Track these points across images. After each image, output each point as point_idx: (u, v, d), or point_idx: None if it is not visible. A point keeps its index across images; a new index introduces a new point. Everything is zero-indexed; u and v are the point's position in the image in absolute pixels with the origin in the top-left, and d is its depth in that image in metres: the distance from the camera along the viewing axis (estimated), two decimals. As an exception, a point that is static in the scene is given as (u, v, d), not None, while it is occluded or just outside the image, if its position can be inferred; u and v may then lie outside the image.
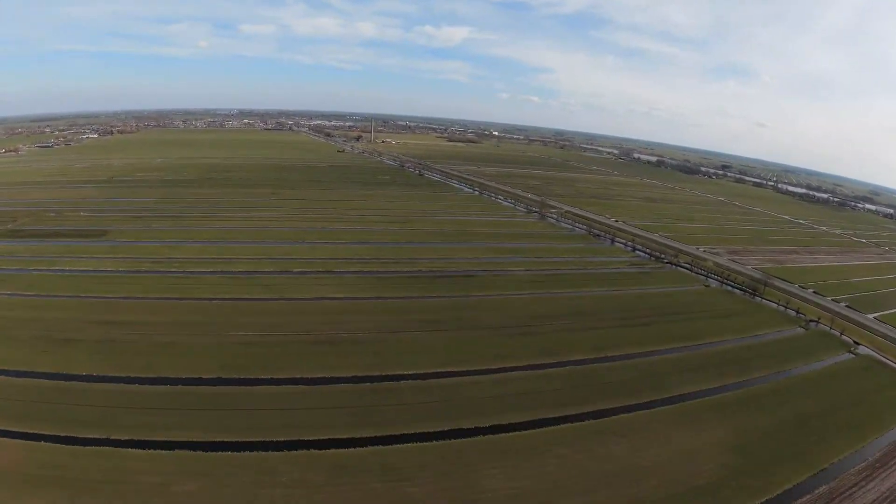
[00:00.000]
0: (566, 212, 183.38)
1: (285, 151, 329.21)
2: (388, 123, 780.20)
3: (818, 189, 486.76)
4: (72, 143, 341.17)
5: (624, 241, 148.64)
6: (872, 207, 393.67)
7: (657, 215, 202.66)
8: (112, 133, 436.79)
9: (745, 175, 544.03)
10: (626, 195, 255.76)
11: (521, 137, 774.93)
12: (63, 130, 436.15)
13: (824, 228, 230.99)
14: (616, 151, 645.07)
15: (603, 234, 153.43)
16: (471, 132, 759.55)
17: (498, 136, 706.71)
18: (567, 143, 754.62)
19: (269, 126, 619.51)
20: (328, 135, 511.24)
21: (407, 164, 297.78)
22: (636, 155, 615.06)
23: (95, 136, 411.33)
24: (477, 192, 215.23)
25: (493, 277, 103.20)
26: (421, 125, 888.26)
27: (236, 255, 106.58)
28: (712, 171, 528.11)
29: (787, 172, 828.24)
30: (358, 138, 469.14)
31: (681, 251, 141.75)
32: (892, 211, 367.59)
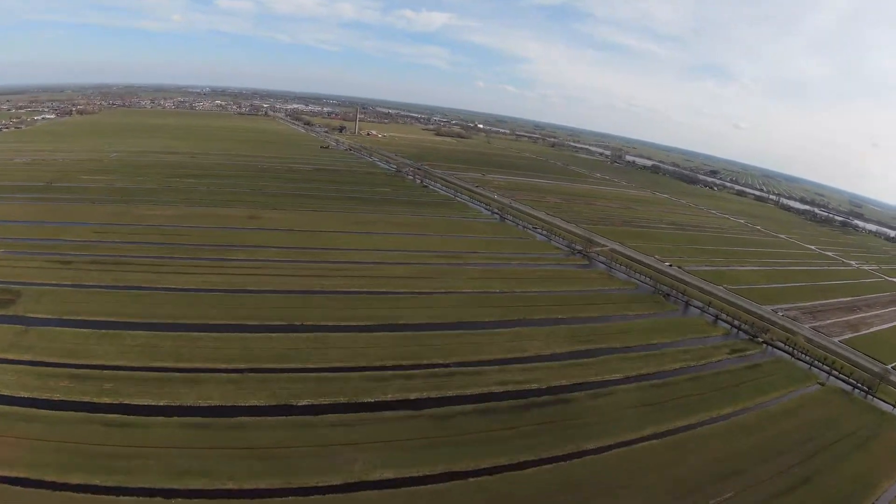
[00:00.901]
0: (611, 251, 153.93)
1: (262, 147, 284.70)
2: (368, 110, 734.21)
3: (812, 203, 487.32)
4: (23, 126, 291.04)
5: (698, 303, 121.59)
6: (872, 228, 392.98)
7: (698, 251, 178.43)
8: (71, 113, 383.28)
9: (736, 184, 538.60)
10: (651, 219, 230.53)
11: (508, 132, 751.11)
12: (21, 108, 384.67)
13: (853, 263, 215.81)
14: (608, 153, 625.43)
15: (671, 292, 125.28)
16: (455, 123, 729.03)
17: (485, 131, 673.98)
18: (555, 139, 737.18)
19: (243, 110, 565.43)
20: (308, 123, 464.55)
21: (404, 169, 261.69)
22: (629, 158, 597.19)
23: (52, 116, 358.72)
24: (498, 217, 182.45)
25: (592, 400, 70.42)
26: (402, 112, 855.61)
27: (205, 359, 68.18)
28: (708, 179, 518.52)
29: (767, 178, 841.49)
30: (341, 129, 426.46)
31: (767, 321, 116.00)
32: (894, 234, 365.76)
